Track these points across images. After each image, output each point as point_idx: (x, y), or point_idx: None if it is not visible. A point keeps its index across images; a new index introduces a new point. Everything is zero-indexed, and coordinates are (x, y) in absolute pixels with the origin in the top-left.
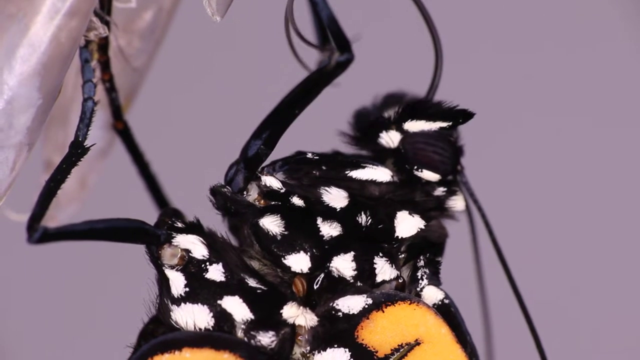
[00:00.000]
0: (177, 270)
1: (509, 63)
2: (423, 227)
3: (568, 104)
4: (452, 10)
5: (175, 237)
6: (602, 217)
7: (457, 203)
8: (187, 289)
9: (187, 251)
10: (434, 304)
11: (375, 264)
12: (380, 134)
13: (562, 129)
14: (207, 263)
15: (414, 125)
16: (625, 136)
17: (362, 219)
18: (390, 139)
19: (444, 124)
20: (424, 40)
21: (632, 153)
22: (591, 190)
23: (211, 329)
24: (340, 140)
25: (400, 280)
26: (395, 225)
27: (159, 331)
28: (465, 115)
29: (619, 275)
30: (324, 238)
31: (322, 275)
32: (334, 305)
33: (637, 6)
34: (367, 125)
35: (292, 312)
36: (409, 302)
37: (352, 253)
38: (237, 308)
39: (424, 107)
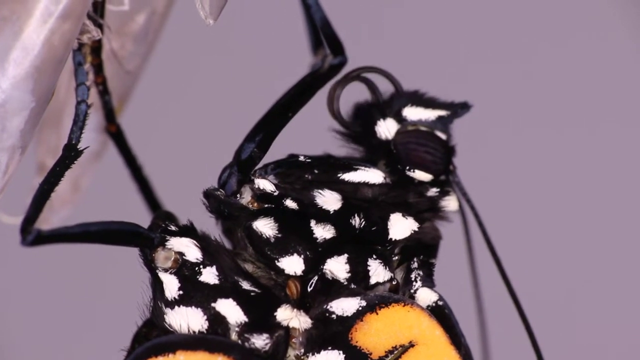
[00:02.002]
0: (170, 273)
1: (506, 63)
2: (416, 229)
3: (565, 104)
4: (451, 12)
5: (169, 240)
6: (597, 217)
7: (450, 203)
8: (181, 292)
9: (181, 254)
10: (428, 306)
11: (369, 266)
12: (378, 122)
13: (558, 129)
14: (201, 266)
15: (412, 112)
16: (624, 136)
17: (356, 221)
18: (387, 128)
19: (443, 113)
20: (417, 42)
21: (630, 153)
22: (586, 190)
23: (205, 331)
24: (333, 136)
25: (394, 282)
26: (388, 227)
27: (152, 334)
28: (463, 106)
29: (614, 274)
30: (318, 240)
31: (316, 277)
32: (328, 307)
33: (637, 6)
34: (364, 112)
35: (286, 315)
36: (402, 304)
37: (346, 255)
38: (231, 311)
39: (422, 95)
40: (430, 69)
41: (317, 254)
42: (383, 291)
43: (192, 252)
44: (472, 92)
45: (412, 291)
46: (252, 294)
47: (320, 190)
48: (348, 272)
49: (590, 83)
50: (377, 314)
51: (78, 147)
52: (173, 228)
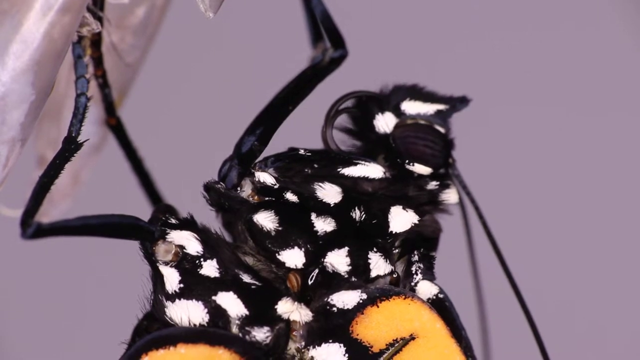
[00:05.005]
0: (171, 266)
1: (505, 60)
2: (417, 222)
3: (564, 101)
4: (452, 6)
5: (169, 233)
6: (597, 209)
7: (450, 196)
8: (182, 285)
9: (181, 247)
10: (429, 299)
11: (370, 259)
12: (376, 116)
13: (558, 125)
14: (201, 259)
15: (411, 106)
16: (623, 131)
17: (356, 214)
18: (385, 122)
19: (441, 107)
20: (417, 36)
21: (629, 148)
22: (585, 182)
23: (206, 324)
24: (334, 131)
25: (394, 275)
26: (389, 220)
27: (153, 327)
28: (461, 100)
29: (616, 264)
30: (318, 233)
31: (317, 270)
32: (329, 300)
33: (637, 6)
34: (363, 107)
35: (287, 308)
36: (403, 297)
37: (347, 248)
38: (231, 304)
39: (420, 89)
40: (431, 62)
41: (317, 247)
42: (384, 284)
43: (192, 245)
44: (471, 86)
45: (412, 284)
46: (252, 287)
47: (320, 183)
48: (349, 265)
49: (589, 80)
50: (377, 306)
51: (78, 139)
52: (173, 221)
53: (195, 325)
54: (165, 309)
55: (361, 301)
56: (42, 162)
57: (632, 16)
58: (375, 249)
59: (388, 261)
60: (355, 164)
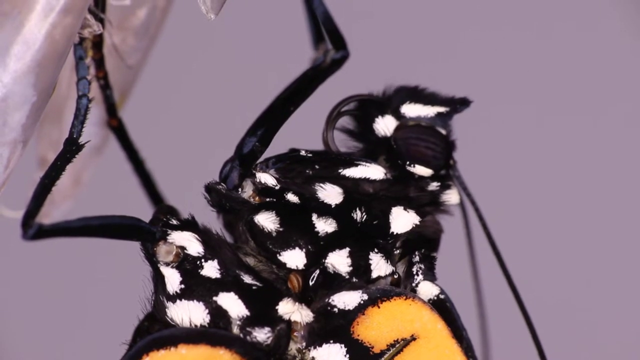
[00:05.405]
0: (172, 267)
1: (505, 57)
2: (418, 223)
3: (564, 101)
4: (452, 9)
5: (170, 234)
6: (597, 209)
7: (451, 197)
8: (183, 286)
9: (183, 248)
10: (430, 300)
11: (371, 259)
12: (376, 119)
13: (558, 125)
14: (203, 260)
15: (411, 109)
16: (623, 131)
17: (357, 215)
18: (385, 125)
19: (442, 109)
20: (418, 37)
21: (629, 148)
22: (585, 182)
23: (207, 325)
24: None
25: (395, 276)
26: (390, 221)
27: (154, 328)
28: (462, 102)
29: (616, 266)
30: (319, 234)
31: (318, 271)
32: (330, 301)
33: (637, 6)
34: (364, 109)
35: (288, 308)
36: (404, 297)
37: (348, 249)
38: (232, 304)
39: (421, 91)
40: (431, 62)
41: (318, 248)
42: (385, 285)
43: (193, 246)
44: (472, 86)
45: (413, 285)
46: (253, 287)
47: (321, 184)
48: (350, 266)
49: (589, 80)
50: (378, 307)
51: (79, 141)
52: (174, 222)
53: (196, 326)
54: (166, 309)
55: (362, 302)
56: (43, 163)
57: (632, 16)
58: (376, 250)
59: (389, 262)
60: (356, 165)
